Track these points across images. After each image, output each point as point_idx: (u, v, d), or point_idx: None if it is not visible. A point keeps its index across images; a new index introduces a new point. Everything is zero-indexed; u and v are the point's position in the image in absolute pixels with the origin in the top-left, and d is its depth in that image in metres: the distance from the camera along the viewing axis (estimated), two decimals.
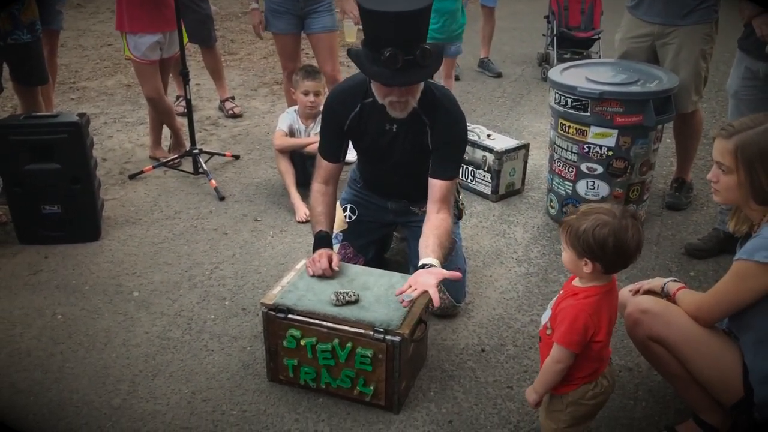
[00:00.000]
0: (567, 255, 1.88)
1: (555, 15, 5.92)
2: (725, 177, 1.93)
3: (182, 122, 4.28)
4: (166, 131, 4.33)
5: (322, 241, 2.46)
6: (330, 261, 2.38)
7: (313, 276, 2.39)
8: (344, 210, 2.87)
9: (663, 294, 2.13)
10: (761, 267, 1.80)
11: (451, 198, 2.51)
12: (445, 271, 2.22)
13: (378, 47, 2.18)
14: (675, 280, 2.15)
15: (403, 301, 2.18)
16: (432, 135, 2.44)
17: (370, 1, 2.18)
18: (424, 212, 2.68)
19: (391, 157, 2.56)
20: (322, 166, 2.59)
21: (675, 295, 2.08)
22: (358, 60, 2.28)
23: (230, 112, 5.05)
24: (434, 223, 2.42)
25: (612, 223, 1.79)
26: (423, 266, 2.25)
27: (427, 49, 2.19)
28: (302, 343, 2.26)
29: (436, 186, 2.47)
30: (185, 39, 4.15)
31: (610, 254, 1.79)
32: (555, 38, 5.90)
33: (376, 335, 2.16)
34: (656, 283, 2.18)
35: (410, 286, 2.18)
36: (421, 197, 2.70)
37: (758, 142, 1.86)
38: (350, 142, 2.62)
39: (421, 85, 2.35)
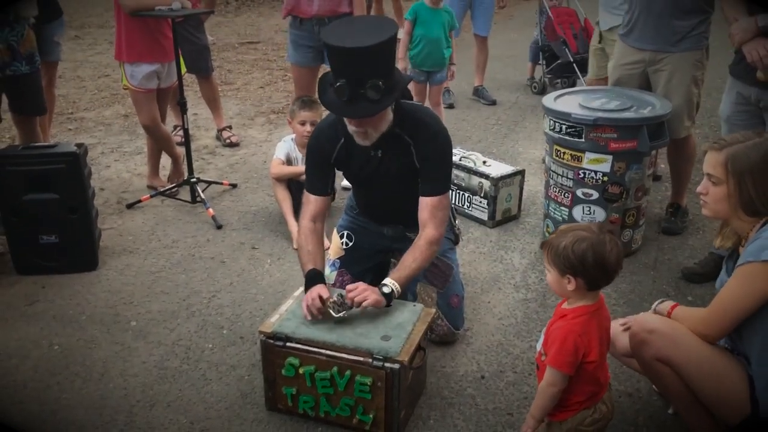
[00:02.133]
0: (550, 275, 1.92)
1: (566, 44, 6.04)
2: (715, 189, 1.99)
3: (180, 151, 4.29)
4: (164, 161, 4.35)
5: (315, 278, 2.40)
6: (323, 300, 2.30)
7: (311, 320, 2.30)
8: (341, 236, 2.88)
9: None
10: None
11: (439, 213, 2.50)
12: (368, 302, 2.29)
13: (335, 77, 2.27)
14: (663, 301, 2.17)
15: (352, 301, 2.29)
16: (417, 152, 2.47)
17: (329, 34, 2.28)
18: None
19: (381, 181, 2.58)
20: (311, 202, 2.60)
21: (670, 314, 2.09)
22: (321, 87, 2.37)
23: (227, 141, 5.08)
24: (415, 243, 2.49)
25: (590, 238, 1.84)
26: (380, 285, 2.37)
27: (378, 85, 2.21)
28: (301, 371, 2.25)
29: (422, 204, 2.51)
30: (183, 69, 4.19)
31: (590, 268, 1.83)
32: (570, 65, 6.02)
33: (375, 363, 2.16)
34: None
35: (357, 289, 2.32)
36: (417, 223, 2.71)
37: (748, 155, 1.94)
38: (341, 172, 2.65)
39: (386, 115, 2.38)
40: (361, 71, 2.22)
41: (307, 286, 2.39)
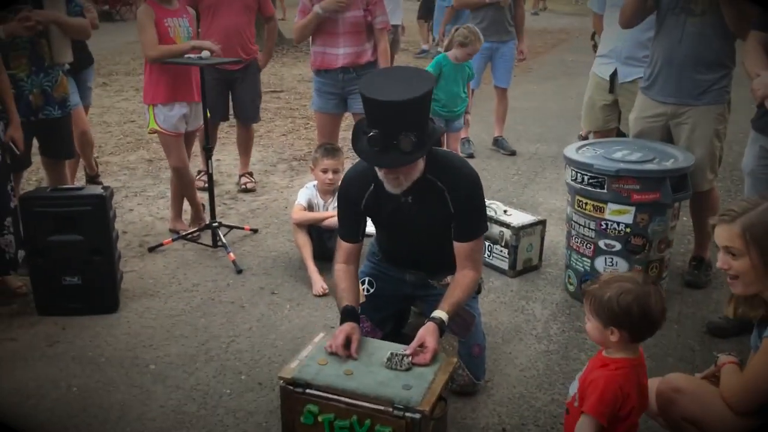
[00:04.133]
0: (592, 325, 1.88)
1: None
2: (737, 262, 1.92)
3: (202, 196, 4.35)
4: (187, 205, 4.39)
5: (348, 314, 2.45)
6: (349, 340, 2.34)
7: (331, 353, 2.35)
8: (362, 283, 2.87)
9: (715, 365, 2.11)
10: None
11: (476, 255, 2.60)
12: (433, 347, 2.31)
13: (368, 126, 2.32)
14: (729, 353, 2.11)
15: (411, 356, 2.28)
16: (452, 198, 2.51)
17: (365, 85, 2.34)
18: (444, 286, 2.68)
19: (411, 228, 2.61)
20: (342, 247, 2.67)
21: (721, 368, 2.05)
22: (355, 134, 2.42)
23: (243, 186, 5.14)
24: (456, 279, 2.55)
25: (635, 290, 1.81)
26: (432, 318, 2.40)
27: (411, 138, 2.25)
28: (320, 419, 2.22)
29: (459, 248, 2.57)
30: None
31: (635, 321, 1.80)
32: None
33: (396, 412, 2.12)
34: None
35: (420, 345, 2.31)
36: (440, 270, 2.72)
37: (764, 221, 1.88)
38: (368, 219, 2.68)
39: (417, 164, 2.41)
40: (394, 124, 2.25)
41: (341, 321, 2.42)
